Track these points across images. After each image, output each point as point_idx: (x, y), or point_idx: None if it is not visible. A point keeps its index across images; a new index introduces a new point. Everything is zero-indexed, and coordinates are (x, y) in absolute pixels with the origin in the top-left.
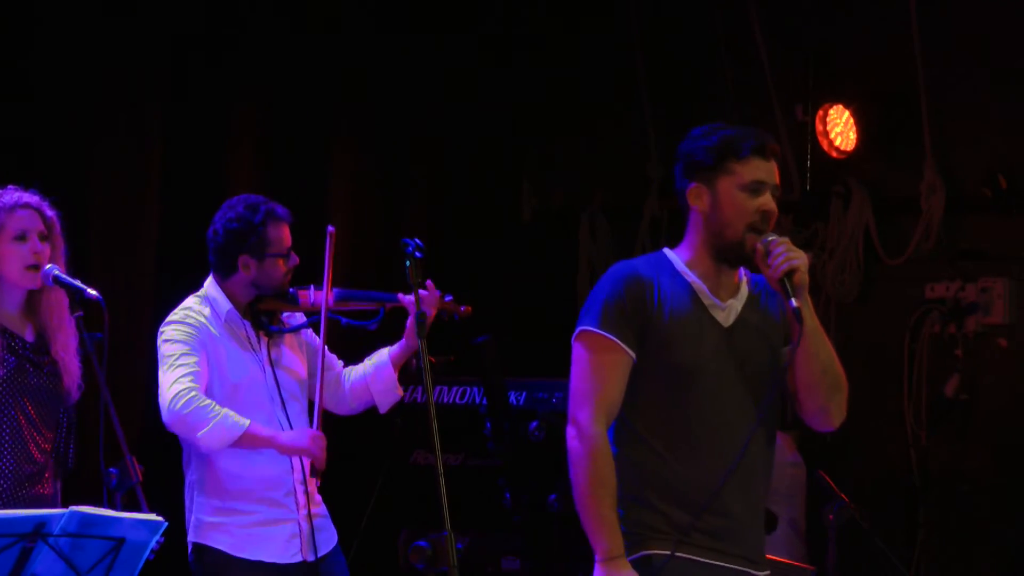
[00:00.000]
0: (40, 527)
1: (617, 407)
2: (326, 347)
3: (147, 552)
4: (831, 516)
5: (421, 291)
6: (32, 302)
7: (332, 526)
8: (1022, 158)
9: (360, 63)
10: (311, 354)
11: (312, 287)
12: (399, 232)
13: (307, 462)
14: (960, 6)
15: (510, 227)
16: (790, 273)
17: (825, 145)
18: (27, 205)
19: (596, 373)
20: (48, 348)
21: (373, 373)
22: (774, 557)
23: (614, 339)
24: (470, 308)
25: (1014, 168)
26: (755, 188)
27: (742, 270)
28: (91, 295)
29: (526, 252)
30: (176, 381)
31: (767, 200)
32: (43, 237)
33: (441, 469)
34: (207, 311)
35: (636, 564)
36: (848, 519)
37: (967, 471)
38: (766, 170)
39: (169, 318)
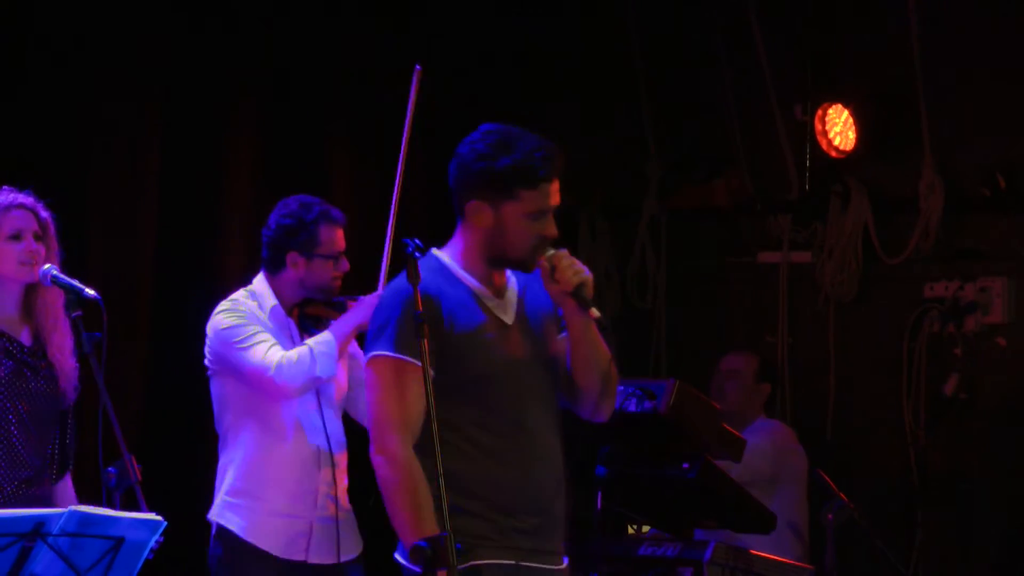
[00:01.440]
0: (39, 527)
1: (420, 426)
2: None
3: (146, 551)
4: (830, 516)
5: None
6: (28, 304)
7: (357, 535)
8: (1021, 158)
9: (358, 60)
10: (353, 365)
11: (361, 298)
12: (398, 233)
13: (340, 464)
14: (959, 5)
15: None
16: (580, 286)
17: (824, 144)
18: (22, 206)
19: (398, 397)
20: (44, 351)
21: None
22: (773, 556)
23: (411, 360)
24: None
25: (1013, 168)
26: (540, 215)
27: None
28: (89, 295)
29: None
30: (265, 355)
31: (550, 224)
32: (37, 237)
33: (441, 470)
34: (252, 304)
35: (465, 574)
36: (847, 519)
37: (966, 470)
38: (552, 192)
39: (218, 309)
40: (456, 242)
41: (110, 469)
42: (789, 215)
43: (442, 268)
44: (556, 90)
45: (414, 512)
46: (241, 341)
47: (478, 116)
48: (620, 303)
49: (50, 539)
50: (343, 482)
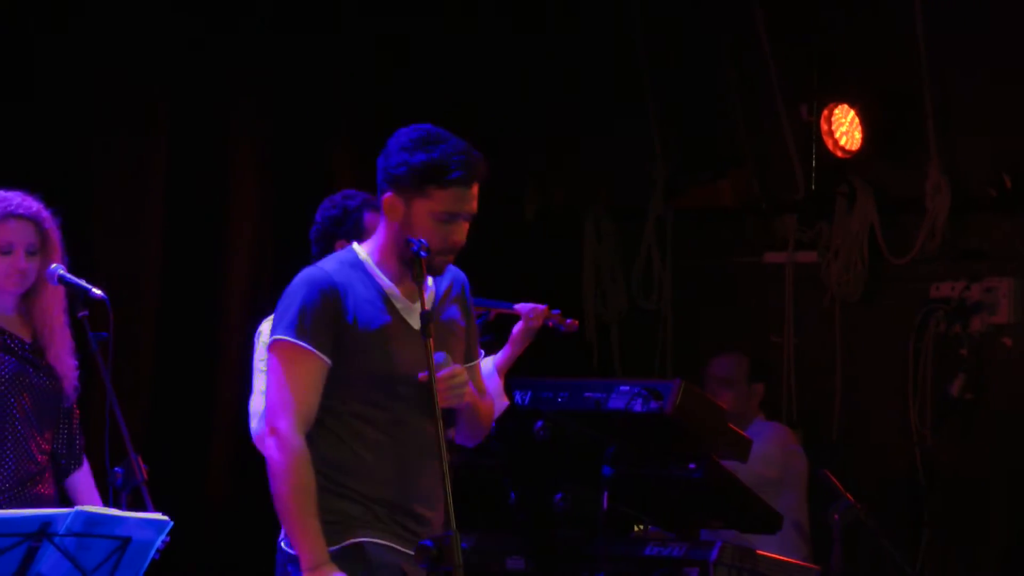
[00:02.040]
0: (45, 526)
1: (315, 413)
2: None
3: (153, 551)
4: (836, 516)
5: (525, 304)
6: (27, 305)
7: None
8: None
9: (361, 62)
10: None
11: None
12: None
13: None
14: (965, 6)
15: (513, 227)
16: (448, 409)
17: (830, 145)
18: (20, 216)
19: (294, 382)
20: (44, 352)
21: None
22: (779, 557)
23: (310, 348)
24: (576, 323)
25: (1019, 168)
26: (448, 219)
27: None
28: (96, 294)
29: (530, 252)
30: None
31: (459, 230)
32: (32, 252)
33: (446, 469)
34: None
35: (345, 551)
36: (853, 519)
37: (972, 470)
38: (465, 198)
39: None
40: (375, 238)
41: (116, 469)
42: (795, 215)
43: (357, 263)
44: (561, 90)
45: (298, 496)
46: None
47: (479, 117)
48: (626, 303)
49: (56, 539)
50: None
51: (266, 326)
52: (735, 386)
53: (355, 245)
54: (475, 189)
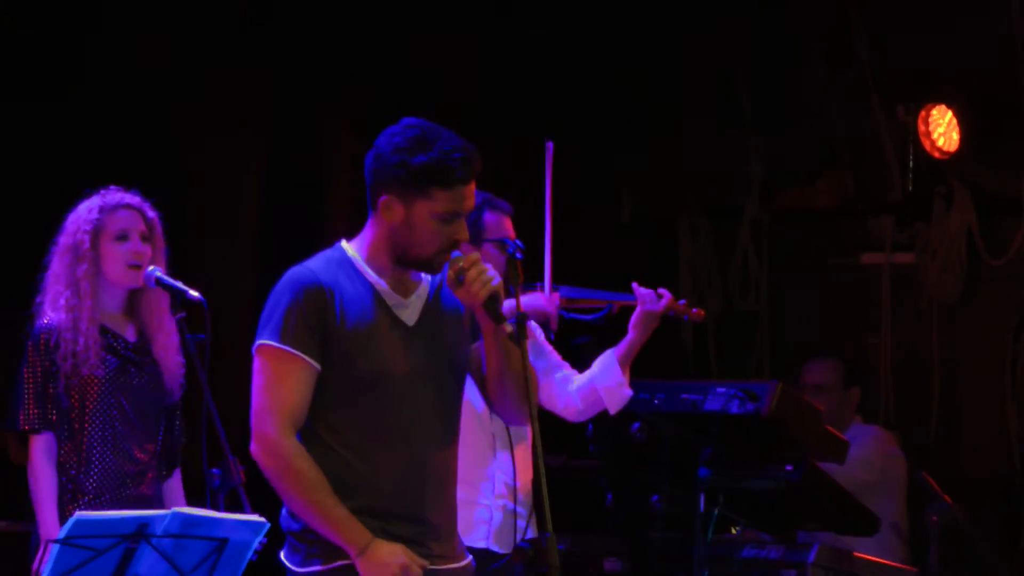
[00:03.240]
0: (143, 528)
1: (302, 418)
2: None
3: (250, 553)
4: (934, 517)
5: (644, 290)
6: (133, 303)
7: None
8: None
9: (469, 59)
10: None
11: (538, 286)
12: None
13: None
14: None
15: (610, 228)
16: (489, 299)
17: (927, 146)
18: (128, 206)
19: (279, 386)
20: (149, 348)
21: (599, 373)
22: (876, 559)
23: (296, 352)
24: (702, 312)
25: None
26: (451, 218)
27: None
28: (193, 296)
29: (626, 254)
30: None
31: (460, 228)
32: (144, 238)
33: (543, 470)
34: None
35: (334, 573)
36: (951, 520)
37: None
38: (467, 195)
39: None
40: (364, 235)
41: (214, 471)
42: (892, 216)
43: (345, 261)
44: (661, 92)
45: (310, 494)
46: None
47: (576, 119)
48: (722, 305)
49: (154, 540)
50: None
51: None
52: (830, 392)
53: (344, 242)
54: (474, 183)
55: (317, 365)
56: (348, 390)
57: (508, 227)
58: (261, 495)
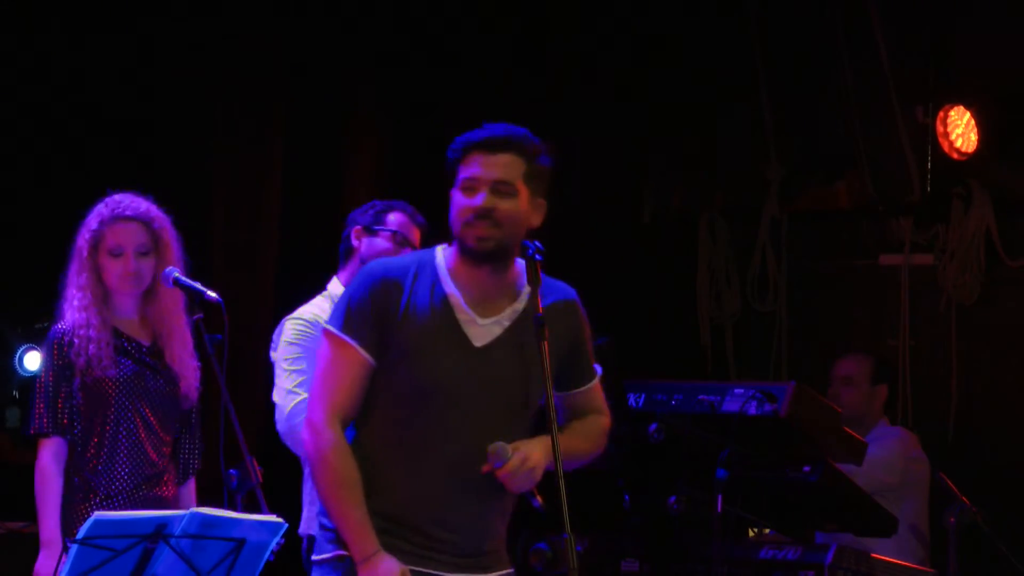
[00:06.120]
0: (161, 528)
1: (354, 409)
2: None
3: (267, 553)
4: (952, 519)
5: None
6: (146, 306)
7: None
8: None
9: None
10: None
11: None
12: None
13: None
14: None
15: (628, 229)
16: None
17: (946, 147)
18: (128, 218)
19: (334, 374)
20: (163, 353)
21: None
22: (895, 560)
23: (353, 343)
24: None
25: None
26: (469, 187)
27: (524, 279)
28: (211, 297)
29: (645, 253)
30: (289, 392)
31: (479, 198)
32: (142, 253)
33: (560, 471)
34: (327, 305)
35: (335, 561)
36: (969, 522)
37: None
38: (485, 165)
39: (295, 314)
40: (454, 243)
41: (231, 471)
42: (911, 217)
43: (430, 263)
44: (677, 92)
45: (337, 490)
46: (279, 363)
47: (596, 119)
48: (740, 305)
49: (172, 540)
50: None
51: (289, 323)
52: (857, 386)
53: (439, 247)
54: (506, 158)
55: (371, 359)
56: (395, 394)
57: (414, 233)
58: (279, 496)
